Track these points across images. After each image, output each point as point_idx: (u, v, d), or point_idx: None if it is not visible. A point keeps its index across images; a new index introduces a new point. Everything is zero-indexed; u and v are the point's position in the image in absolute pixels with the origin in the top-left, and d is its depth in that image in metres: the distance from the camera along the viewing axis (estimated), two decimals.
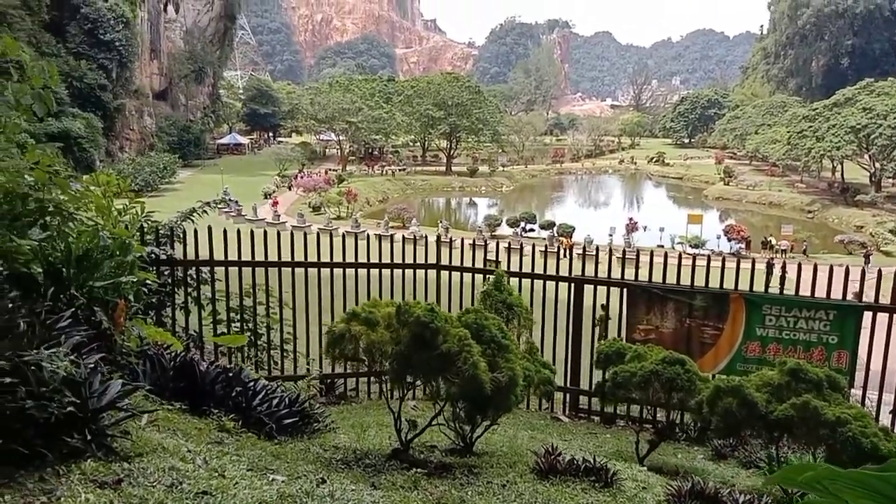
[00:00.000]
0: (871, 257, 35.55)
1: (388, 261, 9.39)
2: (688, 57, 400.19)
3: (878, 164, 58.76)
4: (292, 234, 8.92)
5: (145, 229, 7.61)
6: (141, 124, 68.47)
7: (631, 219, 43.29)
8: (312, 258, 8.99)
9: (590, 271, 9.31)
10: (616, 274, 9.74)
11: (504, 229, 45.20)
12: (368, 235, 41.31)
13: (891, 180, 62.12)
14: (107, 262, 4.81)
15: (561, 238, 40.22)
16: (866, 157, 59.51)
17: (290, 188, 58.99)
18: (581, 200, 79.34)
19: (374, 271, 9.35)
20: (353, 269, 9.37)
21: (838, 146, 56.52)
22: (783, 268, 30.62)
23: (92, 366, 3.44)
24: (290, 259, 8.86)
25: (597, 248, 35.31)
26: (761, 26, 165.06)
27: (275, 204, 50.07)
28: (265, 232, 8.88)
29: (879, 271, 8.55)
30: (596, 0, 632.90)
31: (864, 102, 58.01)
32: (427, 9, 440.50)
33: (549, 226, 43.67)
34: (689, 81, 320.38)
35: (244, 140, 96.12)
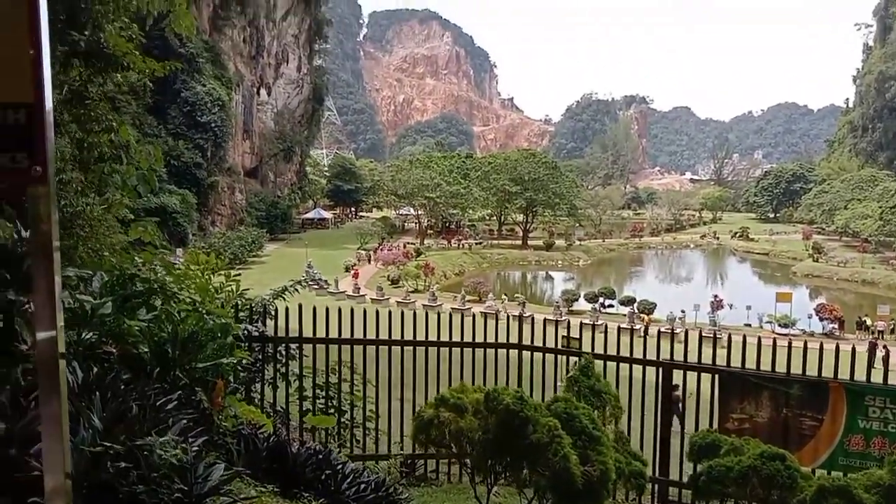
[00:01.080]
0: None
1: (466, 338, 9.41)
2: (770, 131, 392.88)
3: None
4: (377, 313, 9.10)
5: (239, 307, 7.92)
6: (232, 200, 72.03)
7: (716, 296, 41.85)
8: (395, 335, 9.11)
9: (675, 351, 9.03)
10: (703, 355, 9.41)
11: (582, 304, 44.50)
12: (445, 309, 41.63)
13: None
14: (210, 344, 5.03)
15: (642, 315, 39.23)
16: None
17: (369, 261, 60.26)
18: (662, 276, 77.51)
19: (456, 349, 9.38)
20: (435, 348, 9.42)
21: None
22: (885, 353, 28.80)
23: (196, 449, 3.56)
24: (373, 337, 9.01)
25: (686, 330, 34.14)
26: (846, 99, 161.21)
27: (355, 276, 51.16)
28: (352, 310, 9.09)
29: None
30: (674, 76, 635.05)
31: None
32: (504, 88, 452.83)
33: (628, 302, 42.69)
34: (772, 155, 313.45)
35: (328, 215, 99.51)
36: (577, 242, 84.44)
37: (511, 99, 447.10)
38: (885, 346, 32.00)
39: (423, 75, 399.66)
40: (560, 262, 75.77)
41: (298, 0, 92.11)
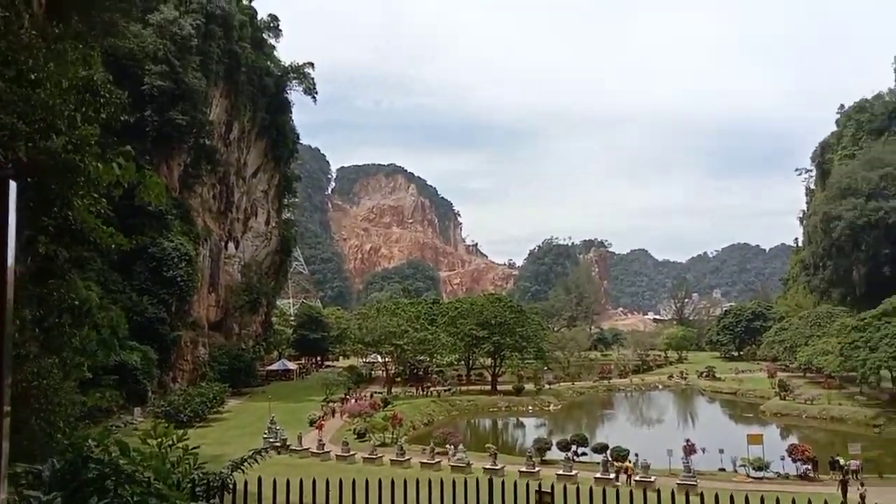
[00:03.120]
0: None
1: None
2: (725, 270, 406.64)
3: None
4: (340, 483, 8.89)
5: (197, 482, 7.70)
6: (195, 354, 70.70)
7: (688, 440, 41.27)
8: (359, 502, 8.83)
9: (650, 499, 8.91)
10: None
11: (555, 453, 43.43)
12: (414, 463, 40.25)
13: None
14: None
15: (615, 462, 38.39)
16: None
17: (334, 414, 58.70)
18: (633, 419, 76.62)
19: None
20: None
21: (894, 356, 54.82)
22: (861, 497, 28.49)
23: None
24: None
25: (656, 483, 33.51)
26: (796, 239, 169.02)
27: (319, 428, 49.71)
28: (313, 482, 8.86)
29: None
30: (629, 221, 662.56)
31: None
32: (468, 233, 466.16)
33: (601, 449, 41.81)
34: (730, 294, 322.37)
35: (293, 366, 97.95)
36: (547, 386, 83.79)
37: (476, 244, 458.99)
38: (862, 483, 31.67)
39: (389, 224, 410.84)
40: (530, 407, 74.73)
41: (268, 158, 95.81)
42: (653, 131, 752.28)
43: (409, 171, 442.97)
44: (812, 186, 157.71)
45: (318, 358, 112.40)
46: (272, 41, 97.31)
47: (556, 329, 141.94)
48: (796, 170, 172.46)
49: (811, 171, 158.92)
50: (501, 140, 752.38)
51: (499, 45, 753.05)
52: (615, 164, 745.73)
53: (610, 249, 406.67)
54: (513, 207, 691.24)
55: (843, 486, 31.85)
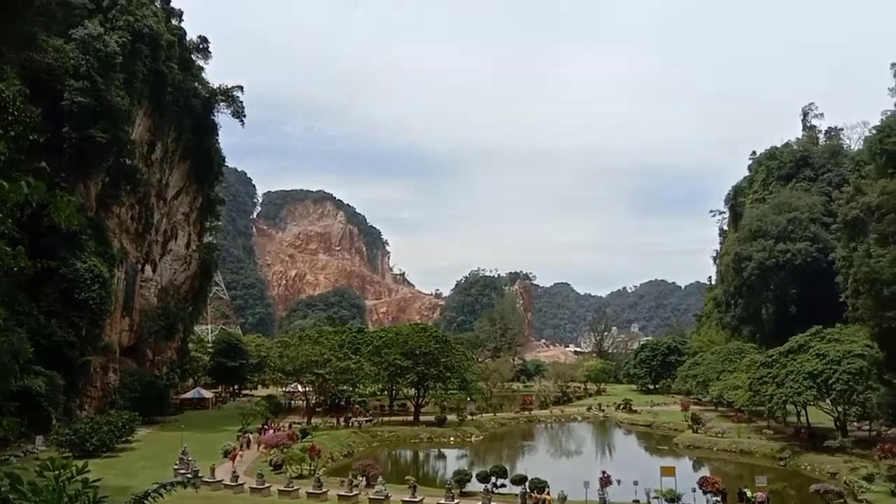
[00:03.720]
0: None
1: None
2: (643, 305, 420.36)
3: (840, 409, 59.58)
4: None
5: None
6: (104, 381, 67.52)
7: (604, 472, 42.10)
8: None
9: None
10: None
11: (474, 484, 43.44)
12: (332, 496, 39.44)
13: (856, 424, 62.53)
14: None
15: (533, 494, 38.73)
16: (828, 401, 60.43)
17: (250, 445, 56.98)
18: (552, 450, 77.58)
19: None
20: None
21: (799, 392, 57.53)
22: None
23: None
24: None
25: None
26: (710, 277, 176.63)
27: (234, 458, 48.25)
28: None
29: None
30: (553, 255, 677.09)
31: (816, 349, 60.28)
32: (397, 262, 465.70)
33: (520, 480, 42.13)
34: (648, 328, 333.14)
35: (208, 394, 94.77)
36: (469, 417, 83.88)
37: (403, 274, 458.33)
38: None
39: (316, 251, 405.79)
40: (452, 438, 74.60)
41: (191, 180, 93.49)
42: (577, 169, 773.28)
43: (337, 198, 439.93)
44: (725, 227, 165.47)
45: (236, 386, 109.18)
46: (201, 62, 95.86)
47: (480, 360, 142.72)
48: (710, 211, 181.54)
49: (724, 212, 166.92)
50: (431, 171, 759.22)
51: (431, 77, 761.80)
52: (541, 200, 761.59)
53: (535, 282, 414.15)
54: (441, 238, 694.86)
55: None
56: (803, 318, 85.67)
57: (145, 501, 8.31)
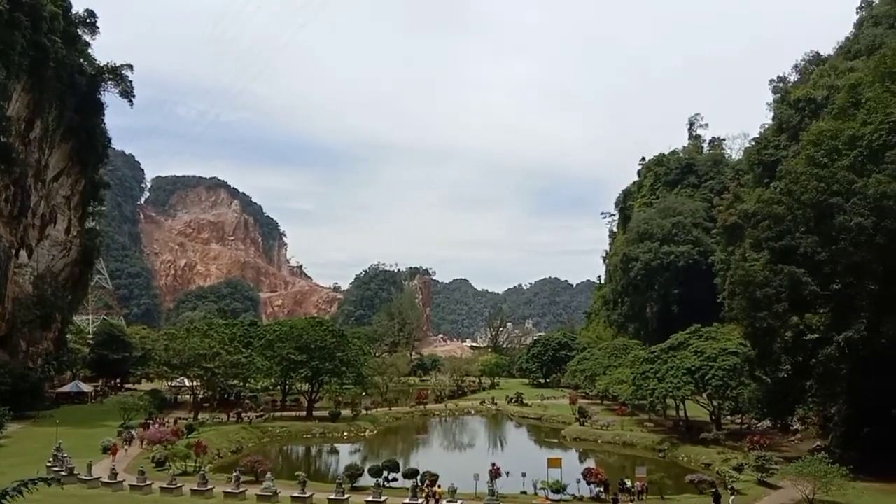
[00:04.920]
0: (721, 499, 36.87)
1: None
2: (537, 302, 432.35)
3: (715, 403, 63.57)
4: None
5: None
6: None
7: (494, 464, 42.94)
8: None
9: None
10: None
11: (366, 479, 43.24)
12: (217, 493, 38.20)
13: (729, 417, 66.88)
14: None
15: (423, 487, 39.01)
16: (704, 396, 64.33)
17: (131, 441, 54.30)
18: (446, 443, 78.44)
19: None
20: None
21: (678, 386, 60.91)
22: None
23: None
24: None
25: None
26: (599, 276, 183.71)
27: (114, 453, 45.95)
28: None
29: None
30: (452, 251, 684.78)
31: (695, 346, 64.10)
32: (294, 254, 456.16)
33: (412, 474, 42.33)
34: (541, 324, 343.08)
35: (87, 388, 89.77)
36: (364, 412, 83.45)
37: (300, 266, 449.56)
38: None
39: (208, 240, 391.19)
40: (346, 433, 74.03)
41: (73, 161, 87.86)
42: (478, 168, 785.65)
43: (232, 186, 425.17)
44: (615, 229, 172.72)
45: (118, 380, 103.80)
46: (88, 38, 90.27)
47: (377, 354, 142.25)
48: (602, 213, 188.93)
49: (615, 215, 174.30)
50: (330, 163, 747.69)
51: (332, 68, 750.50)
52: (441, 196, 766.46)
53: (434, 277, 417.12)
54: (340, 231, 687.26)
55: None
56: (684, 316, 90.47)
57: (4, 500, 7.75)
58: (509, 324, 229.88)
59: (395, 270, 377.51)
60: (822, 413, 56.67)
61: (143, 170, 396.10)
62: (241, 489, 38.15)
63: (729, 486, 40.57)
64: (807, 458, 40.55)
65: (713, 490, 37.93)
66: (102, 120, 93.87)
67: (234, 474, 40.08)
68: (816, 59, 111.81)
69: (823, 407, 55.19)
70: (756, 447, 50.34)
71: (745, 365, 56.66)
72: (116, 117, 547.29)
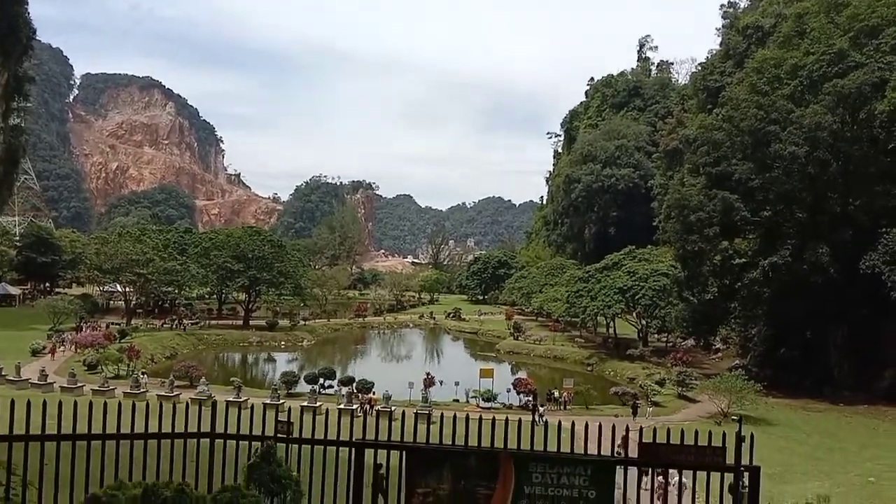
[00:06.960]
0: (638, 409, 39.03)
1: (165, 428, 8.70)
2: (480, 221, 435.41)
3: (643, 321, 66.25)
4: (44, 405, 8.04)
5: None
6: None
7: (428, 374, 44.11)
8: (81, 427, 8.07)
9: (387, 428, 9.27)
10: (419, 433, 9.74)
11: (302, 386, 43.85)
12: (151, 396, 38.13)
13: (656, 336, 69.95)
14: None
15: (358, 395, 39.82)
16: (634, 314, 66.92)
17: (63, 344, 53.32)
18: (383, 354, 79.94)
19: (139, 442, 8.55)
20: (112, 441, 8.51)
21: (609, 305, 63.10)
22: (541, 416, 32.58)
23: None
24: (38, 433, 7.89)
25: (402, 410, 35.33)
26: (541, 197, 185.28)
27: (52, 353, 45.31)
28: (12, 402, 7.92)
29: (641, 428, 9.39)
30: (397, 166, 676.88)
31: (628, 267, 66.11)
32: (232, 162, 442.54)
33: (348, 382, 43.10)
34: (483, 243, 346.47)
35: (15, 290, 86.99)
36: (303, 322, 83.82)
37: (238, 175, 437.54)
38: (542, 413, 36.00)
39: (140, 143, 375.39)
40: (283, 342, 74.42)
41: None
42: (427, 82, 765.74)
43: (167, 87, 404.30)
44: (560, 150, 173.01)
45: (47, 284, 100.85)
46: None
47: (317, 267, 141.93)
48: (547, 133, 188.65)
49: (560, 135, 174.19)
50: (276, 67, 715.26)
51: None
52: (386, 109, 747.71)
53: (377, 192, 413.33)
54: (281, 140, 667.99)
55: (533, 411, 35.99)
56: (621, 238, 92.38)
57: None
58: (451, 241, 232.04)
59: (338, 183, 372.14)
60: (743, 334, 59.79)
61: (71, 66, 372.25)
62: (175, 392, 38.16)
63: (650, 399, 42.86)
64: (725, 375, 43.14)
65: (634, 402, 40.03)
66: (25, 8, 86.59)
67: (169, 379, 40.01)
68: None
69: (745, 328, 58.21)
70: (679, 364, 52.96)
71: (674, 286, 58.84)
72: (42, 7, 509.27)
